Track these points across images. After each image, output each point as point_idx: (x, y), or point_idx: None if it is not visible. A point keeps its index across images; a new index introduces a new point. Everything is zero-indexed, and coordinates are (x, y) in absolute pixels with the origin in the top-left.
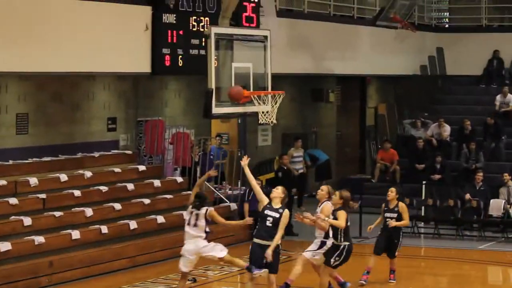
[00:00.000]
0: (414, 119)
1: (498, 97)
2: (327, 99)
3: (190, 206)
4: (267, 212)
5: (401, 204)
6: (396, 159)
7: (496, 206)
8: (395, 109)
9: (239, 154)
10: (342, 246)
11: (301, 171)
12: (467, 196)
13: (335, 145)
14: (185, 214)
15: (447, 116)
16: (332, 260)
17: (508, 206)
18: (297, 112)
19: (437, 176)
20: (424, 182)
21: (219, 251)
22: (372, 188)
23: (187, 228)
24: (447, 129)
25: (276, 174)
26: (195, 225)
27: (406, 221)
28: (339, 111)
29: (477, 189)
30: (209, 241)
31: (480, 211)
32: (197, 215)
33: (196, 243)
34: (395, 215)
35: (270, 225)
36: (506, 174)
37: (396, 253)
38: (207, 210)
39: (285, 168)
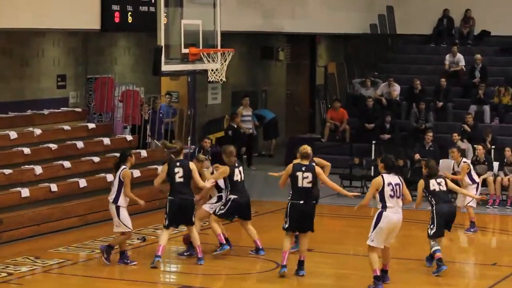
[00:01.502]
0: (364, 78)
1: (448, 57)
2: (277, 57)
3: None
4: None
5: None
6: (346, 118)
7: (446, 166)
8: (345, 68)
9: (189, 112)
10: (227, 199)
11: (251, 131)
12: (417, 156)
13: (284, 104)
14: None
15: (397, 76)
16: (216, 209)
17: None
18: (247, 71)
19: (386, 136)
20: (373, 141)
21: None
22: (322, 148)
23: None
24: (396, 89)
25: (226, 133)
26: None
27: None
28: (289, 69)
29: (426, 149)
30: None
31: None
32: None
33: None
34: None
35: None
36: (456, 134)
37: None
38: (121, 170)
39: (236, 127)
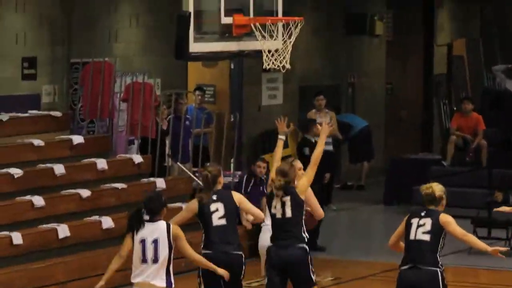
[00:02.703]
0: (511, 65)
1: None
2: (371, 31)
3: None
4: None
5: None
6: (482, 128)
7: None
8: (481, 48)
9: (232, 119)
10: None
11: (329, 148)
12: None
13: (383, 105)
14: None
15: None
16: None
17: None
18: (324, 53)
19: None
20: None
21: None
22: (443, 175)
23: None
24: None
25: (300, 150)
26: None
27: None
28: (391, 50)
29: None
30: None
31: None
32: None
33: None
34: None
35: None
36: None
37: None
38: (166, 229)
39: (314, 141)
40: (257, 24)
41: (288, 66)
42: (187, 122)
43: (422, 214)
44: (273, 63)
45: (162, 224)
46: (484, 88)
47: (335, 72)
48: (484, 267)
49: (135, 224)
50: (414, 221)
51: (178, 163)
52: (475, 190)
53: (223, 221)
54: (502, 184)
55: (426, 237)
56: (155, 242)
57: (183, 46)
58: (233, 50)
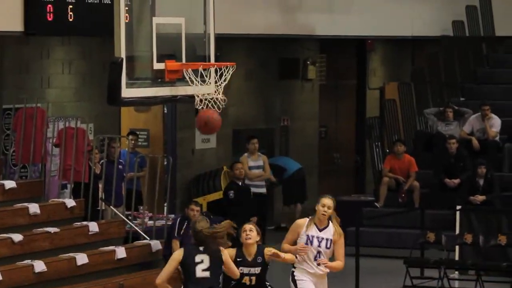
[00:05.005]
0: (442, 107)
1: None
2: (304, 75)
3: None
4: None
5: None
6: (414, 170)
7: None
8: (412, 92)
9: (165, 163)
10: None
11: (262, 191)
12: None
13: (316, 148)
14: None
15: (497, 103)
16: None
17: None
18: (257, 97)
19: (480, 198)
20: (459, 207)
21: None
22: (376, 216)
23: None
24: (495, 123)
25: (225, 194)
26: None
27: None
28: (324, 94)
29: None
30: None
31: None
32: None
33: None
34: None
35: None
36: None
37: None
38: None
39: (240, 184)
40: (190, 69)
41: (220, 108)
42: (120, 166)
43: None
44: (205, 106)
45: None
46: (416, 131)
47: (268, 116)
48: None
49: None
50: None
51: (111, 206)
52: (408, 231)
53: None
54: (434, 225)
55: None
56: None
57: (115, 91)
58: (166, 95)
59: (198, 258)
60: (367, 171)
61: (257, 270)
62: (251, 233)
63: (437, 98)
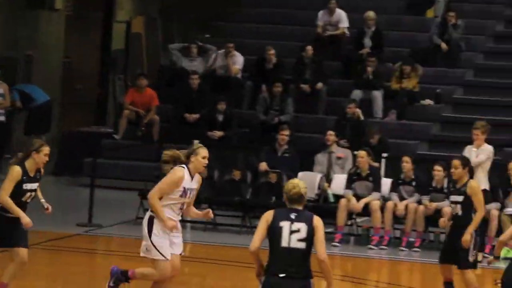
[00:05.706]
0: (187, 43)
1: (321, 14)
2: (51, 5)
3: None
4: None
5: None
6: (155, 104)
7: (309, 183)
8: (158, 27)
9: None
10: None
11: (1, 118)
12: (263, 166)
13: (60, 78)
14: None
15: (240, 40)
16: None
17: (327, 184)
18: (2, 25)
19: (217, 133)
20: (197, 141)
21: None
22: (114, 149)
23: None
24: (238, 60)
25: None
26: None
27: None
28: (70, 25)
29: (279, 155)
30: None
31: (281, 190)
32: None
33: None
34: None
35: None
36: (332, 133)
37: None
38: None
39: None
40: None
41: None
42: None
43: (292, 216)
44: None
45: None
46: (160, 66)
47: (12, 45)
48: None
49: None
50: (285, 225)
51: None
52: (145, 164)
53: None
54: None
55: (302, 245)
56: None
57: None
58: None
59: None
60: (109, 103)
61: None
62: None
63: (184, 35)
